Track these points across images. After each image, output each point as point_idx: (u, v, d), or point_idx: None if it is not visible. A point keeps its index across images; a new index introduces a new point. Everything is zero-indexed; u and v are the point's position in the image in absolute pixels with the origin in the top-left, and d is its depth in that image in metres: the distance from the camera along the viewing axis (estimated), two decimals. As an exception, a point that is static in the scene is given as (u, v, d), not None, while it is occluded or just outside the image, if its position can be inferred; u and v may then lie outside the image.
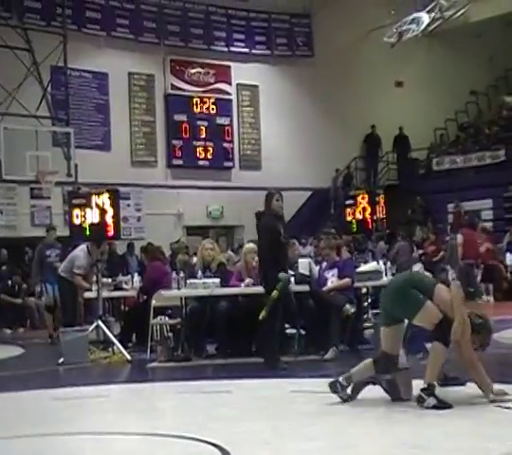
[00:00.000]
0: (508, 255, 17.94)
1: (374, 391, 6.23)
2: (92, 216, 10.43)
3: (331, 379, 6.39)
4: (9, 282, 16.59)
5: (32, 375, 9.40)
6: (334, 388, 6.20)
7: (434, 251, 17.49)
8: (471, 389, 6.06)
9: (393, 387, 6.14)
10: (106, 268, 12.16)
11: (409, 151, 23.96)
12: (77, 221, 10.57)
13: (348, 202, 11.59)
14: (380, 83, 23.42)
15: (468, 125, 24.85)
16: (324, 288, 9.63)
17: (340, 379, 6.19)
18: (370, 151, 23.72)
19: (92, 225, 10.41)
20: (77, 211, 10.57)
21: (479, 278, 16.70)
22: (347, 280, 9.61)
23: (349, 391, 6.23)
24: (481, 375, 5.90)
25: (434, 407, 5.68)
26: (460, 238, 17.03)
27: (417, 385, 6.03)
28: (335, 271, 9.69)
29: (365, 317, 10.12)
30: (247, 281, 9.71)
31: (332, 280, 9.67)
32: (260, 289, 9.59)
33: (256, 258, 10.08)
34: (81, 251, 11.15)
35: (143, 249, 12.74)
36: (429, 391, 5.77)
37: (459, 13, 22.67)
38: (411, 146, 23.86)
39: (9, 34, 17.87)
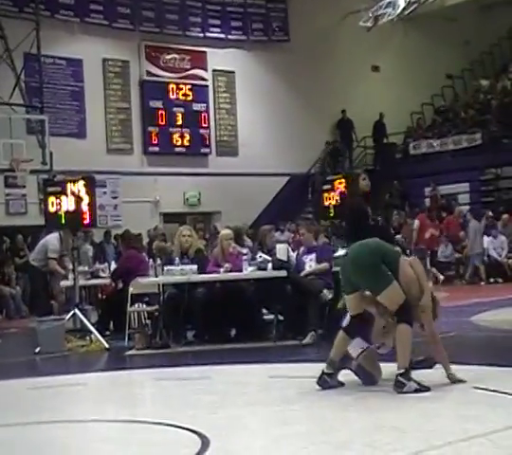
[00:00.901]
0: (486, 238, 18.04)
1: (351, 375, 6.22)
2: (68, 204, 10.34)
3: (308, 363, 6.38)
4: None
5: (8, 365, 9.31)
6: (323, 383, 6.07)
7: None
8: (440, 370, 6.06)
9: (364, 372, 6.13)
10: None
11: (385, 136, 23.97)
12: (52, 209, 10.49)
13: (325, 187, 11.49)
14: (356, 68, 23.42)
15: (445, 109, 24.91)
16: (302, 273, 9.62)
17: (325, 370, 6.09)
18: (343, 135, 23.71)
19: (68, 212, 10.35)
20: (52, 199, 10.49)
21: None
22: (325, 264, 9.59)
23: (339, 377, 6.15)
24: (442, 350, 5.96)
25: (416, 390, 5.67)
26: (416, 223, 17.55)
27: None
28: (313, 256, 9.67)
29: (343, 301, 10.08)
30: (227, 265, 9.68)
31: (310, 264, 9.65)
32: (237, 275, 9.59)
33: (233, 244, 10.06)
34: (53, 237, 11.12)
35: (120, 236, 12.66)
36: (406, 375, 5.75)
37: (434, -3, 22.70)
38: (388, 131, 23.87)
39: (-20, 21, 17.72)
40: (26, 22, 18.29)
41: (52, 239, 11.16)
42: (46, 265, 11.25)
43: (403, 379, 5.71)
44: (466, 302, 12.80)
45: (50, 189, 10.71)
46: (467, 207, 20.37)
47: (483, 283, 17.46)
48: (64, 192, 10.38)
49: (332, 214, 11.46)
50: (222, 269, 9.69)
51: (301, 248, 10.12)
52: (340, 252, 10.20)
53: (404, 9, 22.76)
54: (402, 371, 5.75)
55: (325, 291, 9.40)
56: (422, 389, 5.69)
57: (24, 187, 18.40)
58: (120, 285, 10.87)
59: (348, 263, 6.16)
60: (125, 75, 20.85)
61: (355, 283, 6.07)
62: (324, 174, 18.72)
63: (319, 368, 6.19)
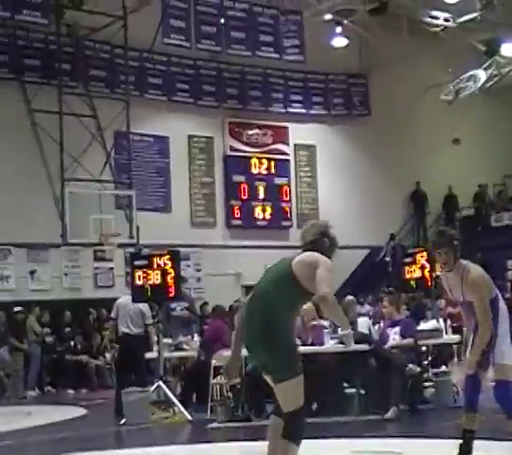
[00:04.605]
0: None
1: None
2: (154, 277, 10.62)
3: (390, 439, 6.27)
4: (72, 343, 16.87)
5: (94, 436, 9.48)
6: None
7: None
8: None
9: None
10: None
11: (457, 209, 23.84)
12: (139, 282, 10.77)
13: (406, 260, 11.53)
14: (437, 141, 23.46)
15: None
16: (387, 345, 9.61)
17: None
18: (417, 208, 23.68)
19: (153, 285, 10.59)
20: (139, 273, 10.77)
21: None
22: (410, 340, 9.61)
23: None
24: None
25: None
26: None
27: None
28: (397, 329, 9.69)
29: (426, 376, 10.00)
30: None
31: (394, 337, 9.67)
32: (319, 348, 9.60)
33: (316, 319, 10.09)
34: (144, 305, 11.28)
35: (212, 309, 12.86)
36: None
37: (516, 69, 22.75)
38: (460, 204, 23.70)
39: (76, 102, 18.41)
40: (116, 102, 18.96)
41: (145, 306, 11.31)
42: (145, 332, 11.31)
43: None
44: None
45: (137, 262, 10.98)
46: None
47: None
48: (150, 266, 10.66)
49: (413, 287, 11.47)
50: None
51: (384, 321, 10.13)
52: (424, 325, 10.20)
53: (485, 81, 22.81)
54: None
55: (411, 365, 9.39)
56: None
57: (111, 260, 18.92)
58: (203, 357, 10.98)
59: None
60: (209, 150, 21.32)
61: None
62: (404, 248, 18.65)
63: (401, 443, 6.15)
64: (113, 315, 11.64)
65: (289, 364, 4.87)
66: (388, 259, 21.02)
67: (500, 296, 5.95)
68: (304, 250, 5.24)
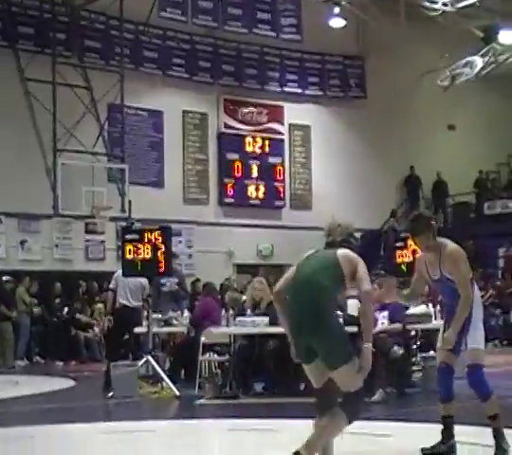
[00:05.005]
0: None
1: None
2: (144, 252, 10.61)
3: (376, 422, 6.28)
4: (62, 315, 16.91)
5: (83, 408, 9.53)
6: None
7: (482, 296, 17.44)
8: None
9: None
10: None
11: (447, 195, 23.90)
12: (129, 256, 10.75)
13: (398, 244, 11.57)
14: (432, 126, 23.47)
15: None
16: (375, 329, 9.63)
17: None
18: (411, 193, 23.74)
19: (144, 260, 10.58)
20: (129, 247, 10.74)
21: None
22: (397, 325, 9.67)
23: None
24: None
25: None
26: None
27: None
28: (385, 313, 9.72)
29: (413, 360, 10.08)
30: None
31: (383, 321, 9.71)
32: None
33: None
34: (144, 280, 11.30)
35: (203, 286, 12.90)
36: None
37: (513, 57, 22.72)
38: (454, 190, 23.75)
39: (70, 72, 18.32)
40: (111, 74, 18.90)
41: (145, 280, 11.34)
42: (141, 306, 11.33)
43: None
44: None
45: (128, 236, 10.95)
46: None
47: None
48: (141, 240, 10.64)
49: (404, 271, 11.51)
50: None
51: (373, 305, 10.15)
52: (414, 310, 10.25)
53: (482, 68, 22.79)
54: None
55: (395, 348, 9.42)
56: None
57: (103, 233, 18.91)
58: (192, 333, 11.02)
59: None
60: (203, 127, 21.27)
61: None
62: (396, 232, 18.68)
63: (386, 426, 6.19)
64: (111, 286, 11.67)
65: (343, 348, 5.05)
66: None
67: (474, 280, 5.94)
68: (330, 247, 5.37)
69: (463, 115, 24.34)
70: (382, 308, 9.85)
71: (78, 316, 16.98)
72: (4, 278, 16.28)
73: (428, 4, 21.34)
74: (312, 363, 5.16)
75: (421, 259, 6.10)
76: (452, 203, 24.10)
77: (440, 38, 21.62)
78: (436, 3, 21.29)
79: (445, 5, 21.26)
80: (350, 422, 5.07)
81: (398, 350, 9.42)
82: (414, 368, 10.05)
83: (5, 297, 16.03)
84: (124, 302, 11.31)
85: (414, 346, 10.39)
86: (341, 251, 5.27)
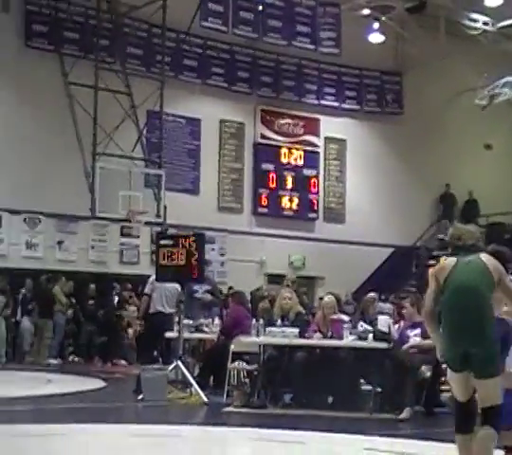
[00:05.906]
0: None
1: None
2: (178, 258, 10.70)
3: (403, 439, 6.18)
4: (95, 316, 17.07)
5: (113, 409, 9.66)
6: None
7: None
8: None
9: None
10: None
11: (476, 215, 23.79)
12: (163, 261, 10.84)
13: (431, 262, 11.63)
14: (468, 145, 23.39)
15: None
16: (406, 345, 9.64)
17: None
18: (445, 210, 23.67)
19: (177, 266, 10.66)
20: (164, 252, 10.82)
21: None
22: (430, 342, 9.61)
23: None
24: None
25: None
26: None
27: None
28: (418, 331, 9.69)
29: (442, 379, 10.06)
30: (315, 335, 9.82)
31: (414, 339, 9.67)
32: (337, 343, 9.70)
33: (336, 313, 10.20)
34: (177, 286, 11.42)
35: (231, 294, 13.01)
36: None
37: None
38: (486, 209, 23.66)
39: (111, 78, 18.57)
40: (151, 81, 19.13)
41: (179, 288, 11.47)
42: (175, 313, 11.42)
43: None
44: None
45: (163, 241, 11.06)
46: None
47: None
48: (175, 246, 10.71)
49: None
50: (315, 335, 9.82)
51: (403, 322, 10.18)
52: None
53: (521, 89, 22.70)
54: None
55: (423, 367, 9.38)
56: None
57: (138, 237, 19.15)
58: (222, 339, 11.08)
59: None
60: (240, 136, 21.42)
61: None
62: (429, 249, 18.64)
63: (413, 444, 6.17)
64: (147, 290, 11.75)
65: (497, 359, 5.07)
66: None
67: None
68: (464, 251, 5.39)
69: (500, 135, 24.23)
70: (413, 326, 9.85)
71: (124, 313, 16.96)
72: (43, 276, 16.54)
73: (468, 22, 21.41)
74: (463, 372, 5.14)
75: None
76: (486, 223, 23.98)
77: (479, 56, 21.66)
78: (477, 21, 21.35)
79: (485, 24, 21.31)
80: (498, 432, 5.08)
81: (427, 370, 9.39)
82: (443, 387, 10.03)
83: (42, 296, 16.28)
84: (160, 308, 11.40)
85: (444, 365, 10.35)
86: (486, 258, 5.27)
